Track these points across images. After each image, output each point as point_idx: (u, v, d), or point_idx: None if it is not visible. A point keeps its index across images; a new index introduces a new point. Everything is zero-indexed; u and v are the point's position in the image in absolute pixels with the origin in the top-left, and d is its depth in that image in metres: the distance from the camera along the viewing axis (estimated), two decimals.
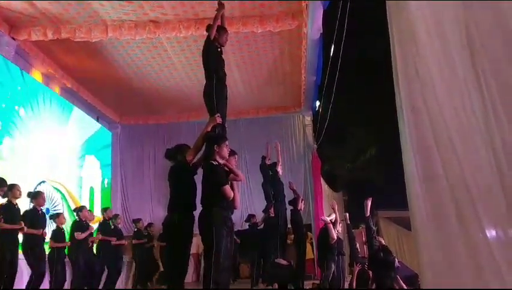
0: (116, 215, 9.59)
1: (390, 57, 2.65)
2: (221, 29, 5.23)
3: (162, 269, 11.14)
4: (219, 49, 5.18)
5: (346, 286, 7.95)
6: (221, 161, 4.36)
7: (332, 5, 6.96)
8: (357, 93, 13.34)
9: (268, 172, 8.42)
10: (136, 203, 12.37)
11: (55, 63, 9.27)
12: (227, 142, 4.45)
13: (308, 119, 12.37)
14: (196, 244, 12.40)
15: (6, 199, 6.33)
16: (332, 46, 7.85)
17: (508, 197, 1.66)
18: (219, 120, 4.65)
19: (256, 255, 9.70)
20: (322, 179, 12.05)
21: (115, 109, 12.31)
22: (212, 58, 5.04)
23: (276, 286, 7.52)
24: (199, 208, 4.28)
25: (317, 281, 8.64)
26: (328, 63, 8.55)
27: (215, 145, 4.35)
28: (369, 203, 7.54)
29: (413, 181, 2.27)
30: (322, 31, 8.07)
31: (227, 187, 4.20)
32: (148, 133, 12.88)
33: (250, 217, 10.59)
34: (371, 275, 7.01)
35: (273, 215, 7.92)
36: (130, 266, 10.31)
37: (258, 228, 9.72)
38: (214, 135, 4.54)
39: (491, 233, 1.81)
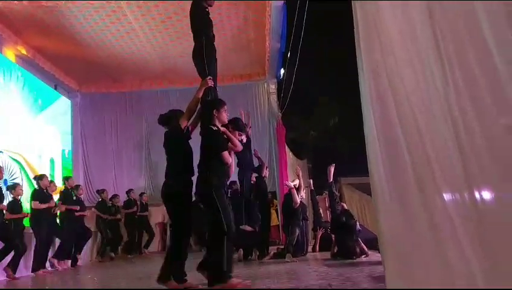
0: (77, 186, 9.40)
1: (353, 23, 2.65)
2: None
3: (126, 238, 11.14)
4: (207, 9, 4.95)
5: (310, 249, 8.16)
6: (221, 128, 4.33)
7: None
8: (321, 61, 13.35)
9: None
10: (99, 173, 12.15)
11: (8, 28, 8.82)
12: (225, 107, 4.39)
13: (273, 87, 12.33)
14: (162, 214, 12.44)
15: None
16: (296, 12, 7.77)
17: (465, 162, 1.71)
18: (211, 83, 4.51)
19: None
20: (286, 146, 12.14)
21: (74, 77, 11.90)
22: (201, 18, 4.82)
23: (241, 252, 7.65)
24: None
25: (280, 247, 8.82)
26: (292, 29, 8.48)
27: (214, 110, 4.30)
28: (332, 169, 7.67)
29: (373, 145, 2.31)
30: None
31: (226, 153, 4.17)
32: (109, 102, 12.56)
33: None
34: (333, 238, 7.21)
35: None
36: (95, 236, 10.21)
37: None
38: (212, 100, 4.46)
39: (448, 196, 1.86)
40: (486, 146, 1.67)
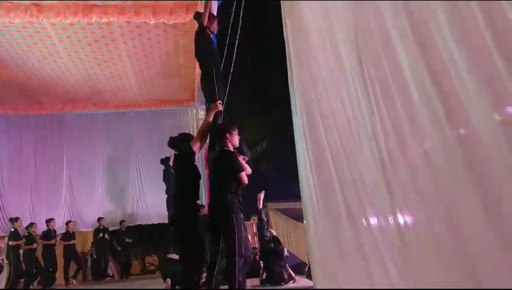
0: None
1: (284, 53, 2.77)
2: (212, 17, 5.05)
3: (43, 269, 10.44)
4: (210, 37, 5.03)
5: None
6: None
7: (227, 1, 7.03)
8: (250, 87, 13.64)
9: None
10: (14, 199, 11.35)
11: None
12: (237, 130, 4.42)
13: (202, 113, 12.36)
14: (81, 243, 11.85)
15: None
16: (227, 40, 7.91)
17: (389, 187, 1.83)
18: (220, 107, 4.57)
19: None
20: None
21: None
22: (207, 46, 4.87)
23: (169, 281, 7.45)
24: None
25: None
26: (222, 57, 8.60)
27: (227, 134, 4.30)
28: (262, 196, 7.77)
29: (304, 169, 2.41)
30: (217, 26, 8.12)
31: (244, 174, 4.16)
32: (28, 124, 11.88)
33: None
34: (261, 265, 7.25)
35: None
36: (7, 269, 9.45)
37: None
38: (225, 124, 4.53)
39: (374, 220, 1.98)
40: (408, 173, 1.80)
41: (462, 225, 1.55)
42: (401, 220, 1.83)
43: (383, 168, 1.89)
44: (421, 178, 1.73)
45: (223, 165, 4.25)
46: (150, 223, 11.96)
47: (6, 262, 9.43)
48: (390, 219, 1.89)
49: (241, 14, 6.43)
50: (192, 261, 4.24)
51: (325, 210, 2.33)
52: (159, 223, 11.42)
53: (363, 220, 2.03)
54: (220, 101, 4.62)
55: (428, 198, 1.69)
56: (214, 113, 4.55)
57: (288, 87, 2.82)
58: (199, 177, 4.52)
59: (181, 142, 4.61)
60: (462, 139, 1.55)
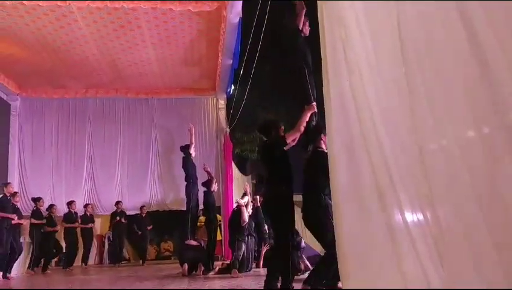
0: (15, 193, 8.93)
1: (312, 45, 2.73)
2: (304, 18, 5.03)
3: (64, 250, 10.70)
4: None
5: (254, 265, 8.21)
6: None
7: None
8: (271, 79, 13.61)
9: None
10: (35, 180, 11.57)
11: None
12: None
13: (222, 102, 12.41)
14: (99, 227, 12.08)
15: None
16: (252, 31, 7.92)
17: (426, 177, 1.83)
18: (315, 108, 4.62)
19: None
20: (232, 162, 12.22)
21: (15, 80, 11.35)
22: (302, 47, 4.89)
23: (185, 266, 7.56)
24: None
25: (225, 262, 8.83)
26: (246, 48, 8.62)
27: (322, 134, 4.44)
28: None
29: (337, 166, 2.40)
30: (241, 16, 8.13)
31: None
32: (51, 108, 12.06)
33: None
34: None
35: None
36: (28, 247, 9.68)
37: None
38: (320, 125, 4.58)
39: (408, 211, 1.98)
40: (446, 164, 1.80)
41: (502, 220, 1.55)
42: (437, 211, 1.83)
43: (420, 158, 1.89)
44: (459, 169, 1.73)
45: (317, 166, 4.33)
46: (166, 209, 12.11)
47: (28, 240, 9.64)
48: (426, 210, 1.89)
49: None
50: (287, 249, 4.47)
51: (355, 200, 2.33)
52: (175, 210, 11.55)
53: (397, 211, 2.03)
54: (314, 103, 4.65)
55: (467, 190, 1.69)
56: (309, 113, 4.60)
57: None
58: (290, 163, 4.69)
59: (271, 129, 4.79)
60: (505, 131, 1.55)
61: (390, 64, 2.09)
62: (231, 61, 9.89)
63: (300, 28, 4.95)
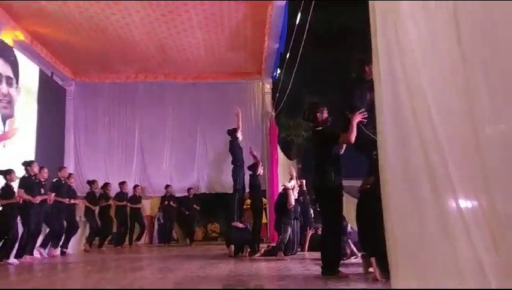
0: (69, 175, 9.38)
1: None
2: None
3: (115, 230, 11.16)
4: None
5: (299, 249, 8.25)
6: None
7: None
8: (318, 63, 13.44)
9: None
10: (89, 162, 12.10)
11: (7, 13, 8.74)
12: None
13: (268, 86, 12.41)
14: (150, 207, 12.49)
15: None
16: (299, 13, 7.83)
17: (482, 164, 1.78)
18: (359, 118, 4.67)
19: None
20: (278, 146, 12.24)
21: (69, 65, 11.83)
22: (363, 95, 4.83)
23: (232, 248, 7.71)
24: None
25: (270, 244, 8.91)
26: (293, 31, 8.54)
27: None
28: None
29: (388, 147, 2.37)
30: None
31: None
32: (102, 92, 12.50)
33: None
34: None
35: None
36: (84, 226, 10.19)
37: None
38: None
39: (462, 198, 1.93)
40: (503, 152, 1.74)
41: None
42: (492, 197, 1.78)
43: (475, 142, 1.84)
44: None
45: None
46: (213, 192, 12.35)
47: (83, 220, 10.13)
48: (480, 195, 1.84)
49: None
50: (335, 235, 4.75)
51: (406, 183, 2.28)
52: (221, 193, 11.76)
53: (450, 196, 1.99)
54: (361, 112, 4.61)
55: None
56: (355, 123, 4.61)
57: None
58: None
59: (317, 113, 4.91)
60: None
61: (445, 46, 2.03)
62: (277, 44, 9.85)
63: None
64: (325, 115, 4.90)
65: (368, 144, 4.56)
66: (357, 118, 4.61)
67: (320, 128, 4.93)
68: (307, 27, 7.27)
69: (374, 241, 4.29)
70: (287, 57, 9.85)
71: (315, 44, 10.63)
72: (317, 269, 5.36)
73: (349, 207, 12.93)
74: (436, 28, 2.11)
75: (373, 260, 4.32)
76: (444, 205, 1.99)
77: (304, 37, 7.52)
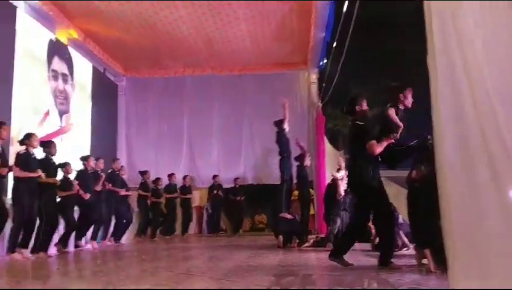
0: (121, 167, 9.74)
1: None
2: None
3: (166, 220, 11.48)
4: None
5: None
6: None
7: None
8: (366, 52, 13.19)
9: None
10: (141, 155, 12.49)
11: (61, 12, 9.12)
12: None
13: (314, 76, 12.31)
14: (199, 198, 12.75)
15: (24, 148, 6.46)
16: (346, 1, 7.70)
17: None
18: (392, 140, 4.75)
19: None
20: (325, 137, 12.15)
21: (120, 62, 12.22)
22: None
23: (281, 238, 7.77)
24: None
25: (319, 235, 8.90)
26: (339, 20, 8.42)
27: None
28: None
29: (445, 137, 2.31)
30: None
31: None
32: (152, 86, 12.84)
33: None
34: (373, 230, 7.19)
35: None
36: (137, 216, 10.57)
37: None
38: None
39: None
40: None
41: None
42: None
43: None
44: None
45: None
46: (260, 183, 12.45)
47: (137, 210, 10.51)
48: None
49: None
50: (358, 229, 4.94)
51: (464, 173, 2.22)
52: (268, 184, 11.81)
53: (511, 186, 1.93)
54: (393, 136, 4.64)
55: None
56: (386, 143, 4.63)
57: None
58: None
59: (356, 106, 4.89)
60: None
61: (506, 34, 1.96)
62: (324, 33, 9.75)
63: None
64: (364, 107, 4.84)
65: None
66: (389, 140, 4.63)
67: (358, 122, 4.87)
68: (354, 15, 7.13)
69: (427, 233, 4.22)
70: (334, 46, 9.72)
71: (363, 32, 10.43)
72: (367, 260, 5.34)
73: (400, 198, 12.74)
74: (496, 15, 2.04)
75: (427, 251, 4.25)
76: (505, 195, 1.94)
77: (352, 25, 7.39)
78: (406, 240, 6.62)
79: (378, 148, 4.56)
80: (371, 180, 4.62)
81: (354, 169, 4.82)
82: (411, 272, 4.33)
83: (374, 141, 4.56)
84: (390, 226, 4.72)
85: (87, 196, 7.98)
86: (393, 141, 4.67)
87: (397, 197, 12.81)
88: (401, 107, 4.77)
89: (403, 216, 7.14)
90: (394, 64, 13.04)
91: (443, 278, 3.65)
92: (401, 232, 6.71)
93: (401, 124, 4.71)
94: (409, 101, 4.83)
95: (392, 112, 4.71)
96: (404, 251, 6.49)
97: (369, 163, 4.66)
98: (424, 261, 4.44)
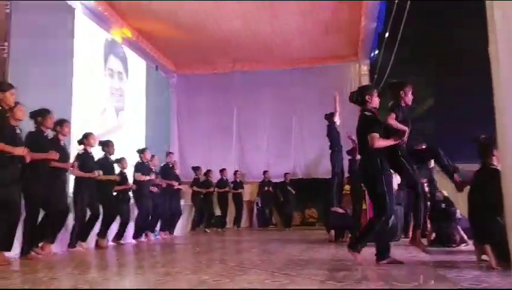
0: (174, 162, 9.99)
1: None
2: None
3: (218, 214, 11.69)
4: None
5: (402, 235, 7.99)
6: None
7: None
8: (420, 42, 12.78)
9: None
10: (192, 150, 12.76)
11: (116, 12, 9.46)
12: None
13: (365, 68, 12.09)
14: (249, 192, 12.87)
15: (82, 147, 6.74)
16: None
17: None
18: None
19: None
20: None
21: (172, 59, 12.52)
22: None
23: (332, 233, 7.70)
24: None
25: None
26: (391, 10, 8.20)
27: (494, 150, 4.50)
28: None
29: (507, 133, 2.20)
30: None
31: None
32: (202, 82, 13.06)
33: None
34: (429, 226, 7.00)
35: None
36: (190, 210, 10.84)
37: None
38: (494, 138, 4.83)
39: None
40: None
41: None
42: None
43: None
44: None
45: (493, 186, 4.36)
46: (310, 177, 12.39)
47: (189, 203, 10.76)
48: None
49: None
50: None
51: None
52: (318, 178, 11.73)
53: None
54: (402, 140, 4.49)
55: None
56: (392, 142, 4.46)
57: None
58: None
59: (365, 97, 4.65)
60: None
61: None
62: (375, 24, 9.53)
63: None
64: (375, 98, 4.57)
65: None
66: (397, 140, 4.42)
67: (366, 112, 4.54)
68: (407, 5, 6.93)
69: (489, 228, 4.04)
70: (386, 37, 9.49)
71: (415, 23, 10.11)
72: (424, 256, 5.19)
73: (455, 193, 12.29)
74: None
75: (487, 247, 4.07)
76: None
77: (405, 16, 7.18)
78: (464, 235, 6.38)
79: (380, 143, 4.32)
80: (379, 172, 4.38)
81: (361, 161, 4.62)
82: (471, 268, 4.18)
83: (376, 134, 4.31)
84: (376, 221, 4.43)
85: (155, 189, 8.36)
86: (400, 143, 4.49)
87: (454, 191, 12.42)
88: (402, 104, 4.58)
89: (460, 211, 6.90)
90: (448, 54, 12.57)
91: (505, 275, 3.51)
92: (459, 227, 6.48)
93: (405, 128, 4.45)
94: (409, 98, 4.66)
95: (392, 120, 4.44)
96: (462, 247, 6.26)
97: (377, 155, 4.43)
98: (484, 257, 4.26)
